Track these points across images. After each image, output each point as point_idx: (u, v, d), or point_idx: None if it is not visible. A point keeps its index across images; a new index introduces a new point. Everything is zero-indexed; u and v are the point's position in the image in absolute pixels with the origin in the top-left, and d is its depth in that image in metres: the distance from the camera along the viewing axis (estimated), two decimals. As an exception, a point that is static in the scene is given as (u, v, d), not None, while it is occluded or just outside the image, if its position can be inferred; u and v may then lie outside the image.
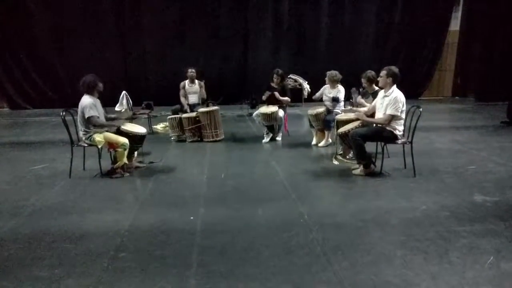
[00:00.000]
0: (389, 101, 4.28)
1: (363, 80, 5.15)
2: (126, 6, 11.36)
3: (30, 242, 3.00)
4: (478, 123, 8.07)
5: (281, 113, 6.28)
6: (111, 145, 4.52)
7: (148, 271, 2.57)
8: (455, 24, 12.55)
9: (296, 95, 10.54)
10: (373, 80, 5.02)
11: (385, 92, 4.42)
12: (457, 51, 12.75)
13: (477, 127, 7.52)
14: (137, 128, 4.93)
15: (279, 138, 6.57)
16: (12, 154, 6.02)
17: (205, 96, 7.24)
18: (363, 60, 11.75)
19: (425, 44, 12.49)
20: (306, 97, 10.97)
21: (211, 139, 6.53)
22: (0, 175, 4.87)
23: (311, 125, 6.21)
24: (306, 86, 11.01)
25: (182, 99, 7.09)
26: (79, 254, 2.80)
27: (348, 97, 5.91)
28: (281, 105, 6.38)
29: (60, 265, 2.66)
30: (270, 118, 6.24)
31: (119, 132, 4.67)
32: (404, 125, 4.49)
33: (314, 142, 6.21)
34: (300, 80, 11.20)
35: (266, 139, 6.49)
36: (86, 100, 4.42)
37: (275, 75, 6.40)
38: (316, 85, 9.55)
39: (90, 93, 4.49)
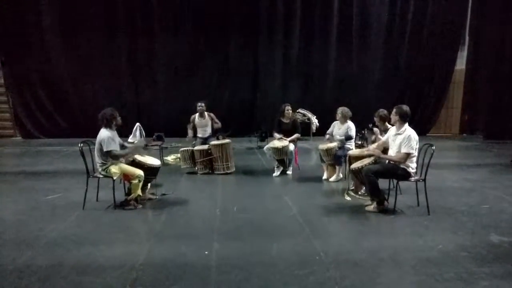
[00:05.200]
0: (402, 140, 4.34)
1: (375, 119, 5.24)
2: (138, 41, 11.77)
3: (45, 274, 2.99)
4: (488, 161, 8.03)
5: (291, 147, 6.35)
6: (126, 176, 4.58)
7: (165, 307, 2.55)
8: (461, 63, 12.82)
9: (305, 130, 10.67)
10: (385, 119, 5.10)
11: (397, 130, 4.49)
12: (463, 89, 12.93)
13: (487, 165, 7.48)
14: (152, 160, 5.01)
15: (289, 172, 6.60)
16: (25, 183, 6.08)
17: (219, 125, 7.24)
18: (370, 98, 11.95)
19: (431, 82, 12.72)
20: (314, 131, 11.09)
21: (222, 172, 6.58)
22: (15, 204, 4.92)
23: (321, 160, 6.25)
24: (315, 121, 11.15)
25: (189, 131, 7.21)
26: (95, 288, 2.78)
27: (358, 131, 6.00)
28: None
29: (76, 298, 2.65)
30: (281, 152, 6.31)
31: (134, 163, 4.74)
32: (417, 162, 4.52)
33: (325, 176, 6.22)
34: (309, 114, 11.35)
35: (276, 173, 6.52)
36: (104, 133, 4.50)
37: (286, 108, 6.54)
38: (324, 120, 9.73)
39: (108, 126, 4.57)
